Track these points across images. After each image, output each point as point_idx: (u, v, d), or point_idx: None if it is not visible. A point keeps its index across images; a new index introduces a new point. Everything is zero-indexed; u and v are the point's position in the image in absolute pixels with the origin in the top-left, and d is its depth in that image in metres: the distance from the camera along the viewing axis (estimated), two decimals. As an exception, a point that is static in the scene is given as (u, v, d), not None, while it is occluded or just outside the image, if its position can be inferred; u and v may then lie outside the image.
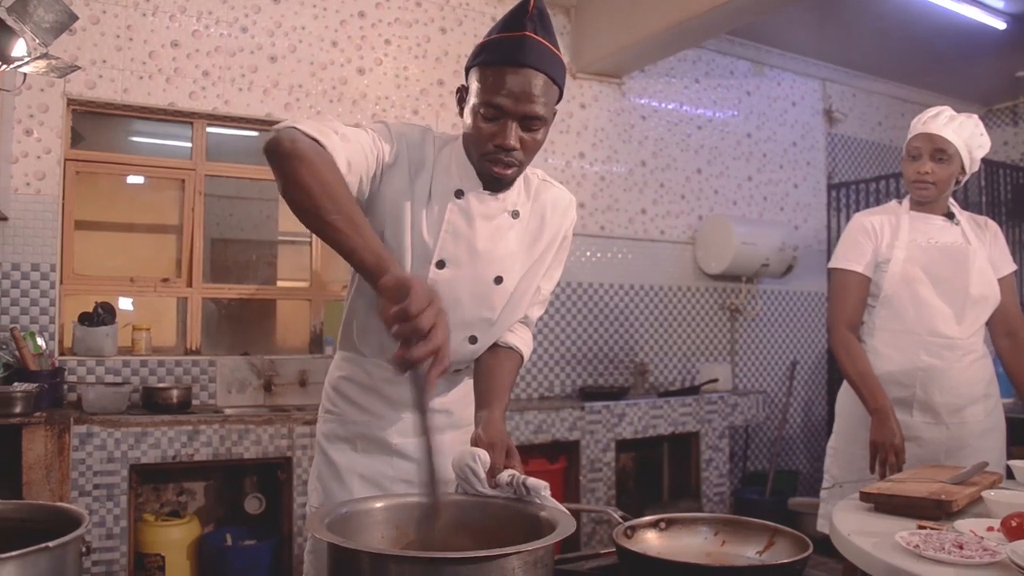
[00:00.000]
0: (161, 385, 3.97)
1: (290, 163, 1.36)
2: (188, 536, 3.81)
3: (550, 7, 5.27)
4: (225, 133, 4.55)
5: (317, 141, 1.41)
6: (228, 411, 3.95)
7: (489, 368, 1.78)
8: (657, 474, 5.32)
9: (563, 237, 1.85)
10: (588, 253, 5.40)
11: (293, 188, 1.35)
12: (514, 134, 1.56)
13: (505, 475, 1.41)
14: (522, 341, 1.86)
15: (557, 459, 4.55)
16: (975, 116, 2.75)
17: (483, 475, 1.43)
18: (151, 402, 3.81)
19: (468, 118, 1.62)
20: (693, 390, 5.28)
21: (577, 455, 4.54)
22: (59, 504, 1.20)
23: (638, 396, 5.07)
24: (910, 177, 2.75)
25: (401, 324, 1.18)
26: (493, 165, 1.61)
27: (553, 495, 1.39)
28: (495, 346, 1.82)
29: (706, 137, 6.01)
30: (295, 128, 1.41)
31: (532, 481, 1.37)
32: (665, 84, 5.83)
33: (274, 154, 1.39)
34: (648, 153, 5.71)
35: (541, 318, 5.14)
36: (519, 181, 1.74)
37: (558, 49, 1.61)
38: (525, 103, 1.54)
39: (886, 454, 2.57)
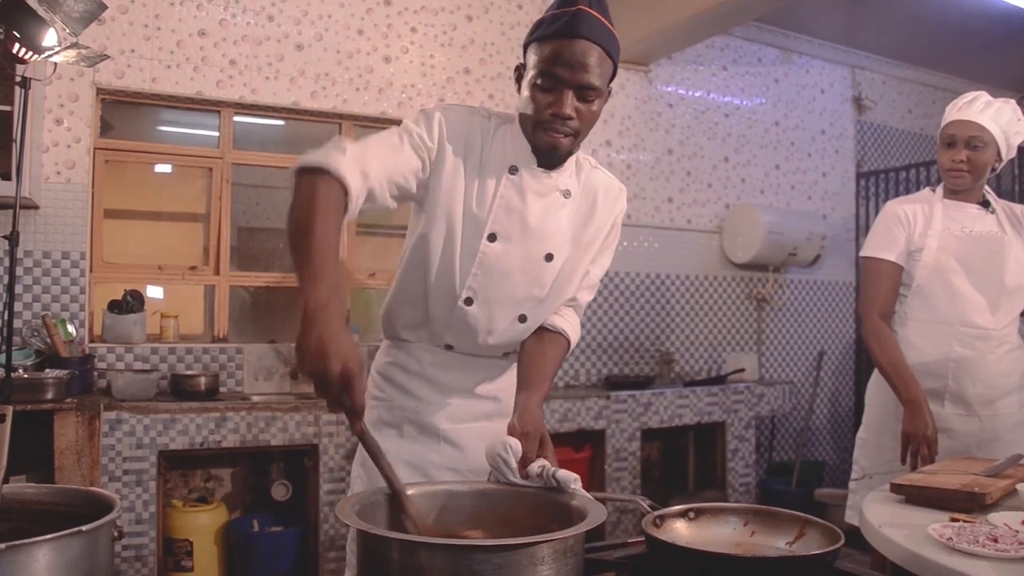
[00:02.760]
0: (189, 372, 4.01)
1: (293, 197, 1.47)
2: (216, 522, 3.85)
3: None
4: (252, 122, 4.57)
5: (333, 174, 1.46)
6: (255, 398, 3.99)
7: (531, 353, 1.77)
8: (683, 464, 5.30)
9: (612, 224, 1.86)
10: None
11: (290, 213, 1.46)
12: (570, 103, 1.59)
13: (535, 466, 1.40)
14: (570, 325, 1.84)
15: (583, 448, 4.54)
16: (1012, 102, 2.69)
17: (514, 465, 1.42)
18: (179, 389, 3.84)
19: (525, 91, 1.65)
20: (719, 380, 5.26)
21: (603, 444, 4.53)
22: (91, 488, 1.21)
23: (664, 385, 5.05)
24: (944, 165, 2.69)
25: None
26: (549, 133, 1.62)
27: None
28: (541, 329, 1.80)
29: (733, 125, 5.95)
30: (315, 166, 1.46)
31: (562, 473, 1.36)
32: (692, 71, 5.78)
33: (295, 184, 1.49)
34: (675, 141, 5.67)
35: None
36: (571, 162, 1.76)
37: (612, 25, 1.64)
38: (581, 72, 1.57)
39: (918, 445, 2.53)
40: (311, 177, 1.46)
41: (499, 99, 4.93)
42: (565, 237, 1.75)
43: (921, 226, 2.72)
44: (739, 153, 5.96)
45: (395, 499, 1.28)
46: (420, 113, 1.71)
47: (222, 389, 4.09)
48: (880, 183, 6.38)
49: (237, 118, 4.45)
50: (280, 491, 3.99)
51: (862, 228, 6.42)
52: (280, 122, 4.64)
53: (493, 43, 5.00)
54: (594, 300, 5.17)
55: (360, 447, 1.83)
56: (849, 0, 5.51)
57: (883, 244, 2.77)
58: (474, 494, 1.35)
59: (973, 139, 2.62)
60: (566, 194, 1.75)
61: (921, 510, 1.85)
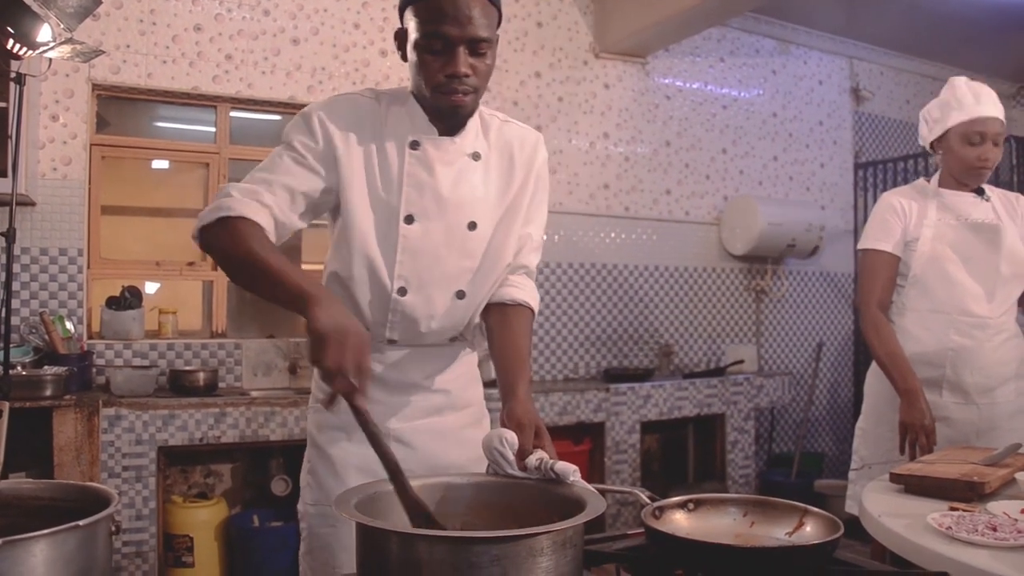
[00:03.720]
0: (188, 368, 4.01)
1: (213, 255, 1.55)
2: (216, 517, 3.85)
3: (573, -14, 5.23)
4: (248, 117, 4.56)
5: (236, 216, 1.48)
6: (254, 393, 3.98)
7: (501, 337, 1.70)
8: (682, 456, 5.31)
9: (536, 176, 1.77)
10: (613, 234, 5.37)
11: (225, 269, 1.54)
12: (464, 60, 1.52)
13: (533, 459, 1.37)
14: (526, 294, 1.76)
15: (582, 441, 4.55)
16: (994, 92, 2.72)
17: (512, 458, 1.39)
18: (178, 385, 3.84)
19: (412, 56, 1.57)
20: (718, 371, 5.26)
21: (602, 437, 4.53)
22: (88, 484, 1.21)
23: (663, 378, 5.06)
24: (972, 163, 2.65)
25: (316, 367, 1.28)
26: (448, 96, 1.55)
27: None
28: (502, 306, 1.73)
29: (731, 117, 5.94)
30: (216, 219, 1.49)
31: (561, 465, 1.34)
32: (690, 63, 5.77)
33: (205, 248, 1.55)
34: (673, 133, 5.66)
35: (565, 299, 5.20)
36: (475, 123, 1.69)
37: None
38: (468, 27, 1.50)
39: (916, 435, 2.54)
40: (217, 229, 1.49)
41: (496, 92, 4.92)
42: (485, 202, 1.68)
43: (916, 216, 2.73)
44: (737, 145, 5.95)
45: (397, 484, 1.26)
46: (297, 117, 1.65)
47: (221, 384, 4.08)
48: (878, 174, 6.37)
49: (234, 113, 4.44)
50: (280, 486, 3.99)
51: (860, 219, 6.41)
52: (277, 117, 4.63)
53: (490, 36, 4.98)
54: (592, 292, 5.23)
55: (307, 454, 1.77)
56: (846, -10, 5.50)
57: (879, 235, 2.79)
58: (472, 486, 1.35)
59: (998, 135, 2.63)
60: (475, 156, 1.67)
61: (920, 500, 1.85)
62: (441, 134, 1.64)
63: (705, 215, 5.79)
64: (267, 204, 1.53)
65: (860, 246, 2.87)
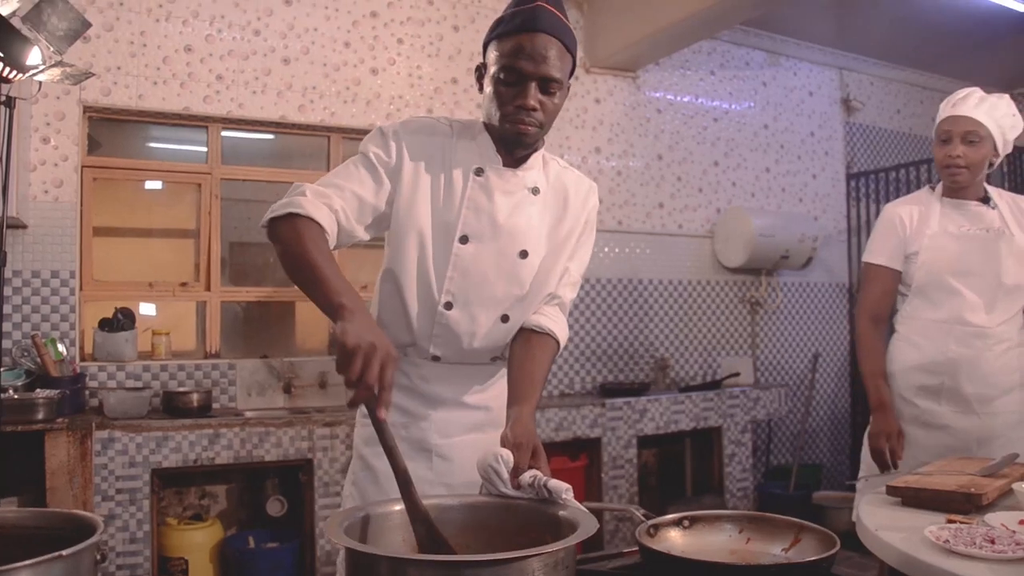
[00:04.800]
0: (181, 389, 3.99)
1: (276, 246, 1.60)
2: (211, 539, 3.82)
3: (564, 2, 5.24)
4: (240, 136, 4.56)
5: (303, 215, 1.55)
6: (248, 414, 3.96)
7: (521, 360, 1.74)
8: (680, 470, 5.29)
9: (586, 221, 1.87)
10: (606, 248, 5.37)
11: (282, 262, 1.59)
12: (534, 95, 1.62)
13: (527, 476, 1.38)
14: (556, 325, 1.81)
15: (578, 457, 4.53)
16: (1007, 96, 2.69)
17: (506, 476, 1.40)
18: (172, 406, 3.82)
19: (488, 87, 1.69)
20: (714, 384, 5.25)
21: (599, 452, 4.51)
22: (74, 511, 1.19)
23: (659, 391, 5.04)
24: (941, 162, 2.70)
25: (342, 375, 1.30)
26: (515, 125, 1.65)
27: (575, 493, 1.35)
28: (528, 332, 1.78)
29: (723, 129, 5.96)
30: (285, 214, 1.56)
31: (554, 483, 1.34)
32: (680, 76, 5.79)
33: (271, 238, 1.61)
34: (664, 147, 5.67)
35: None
36: (538, 160, 1.79)
37: (568, 21, 1.69)
38: (542, 65, 1.61)
39: (878, 441, 2.62)
40: (284, 223, 1.56)
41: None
42: (538, 234, 1.77)
43: (917, 227, 2.73)
44: (729, 157, 5.96)
45: (406, 496, 1.27)
46: (375, 131, 1.75)
47: (215, 405, 4.06)
48: (870, 184, 6.39)
49: (225, 133, 4.44)
50: (275, 507, 3.96)
51: (853, 229, 6.42)
52: (269, 136, 4.63)
53: (480, 53, 4.99)
54: (587, 307, 5.22)
55: (352, 466, 1.84)
56: (835, 2, 5.52)
57: (876, 248, 2.83)
58: (464, 508, 1.34)
59: (968, 134, 2.63)
60: (534, 191, 1.77)
61: (918, 512, 1.83)
62: (506, 165, 1.74)
63: (698, 228, 5.79)
64: (335, 209, 1.61)
65: (862, 258, 2.91)
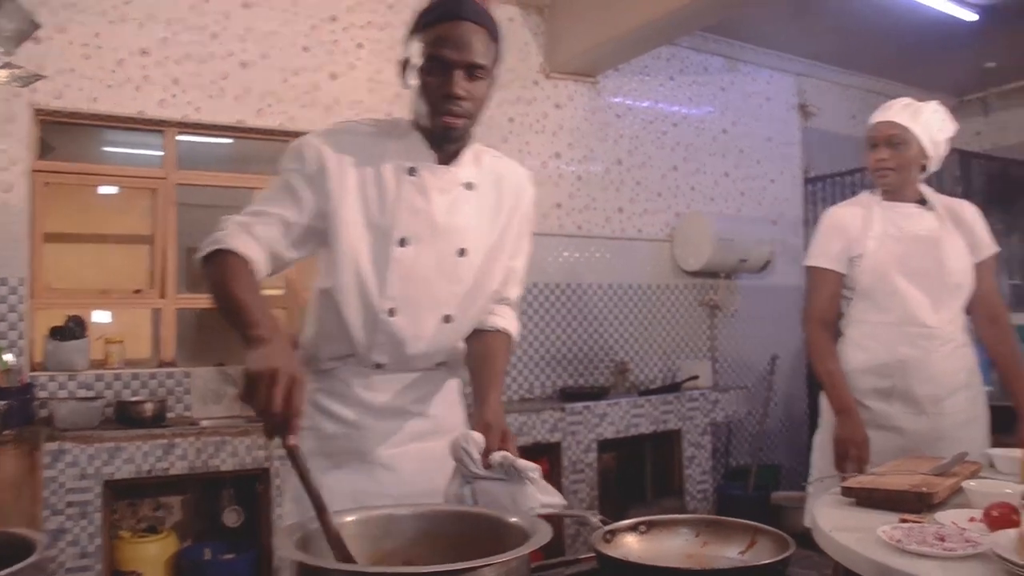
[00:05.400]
0: (135, 399, 3.91)
1: (207, 285, 1.58)
2: (165, 551, 3.75)
3: (524, 7, 5.26)
4: (198, 141, 4.49)
5: (227, 250, 1.57)
6: (204, 423, 3.90)
7: (482, 356, 1.77)
8: (640, 473, 5.30)
9: (524, 212, 1.86)
10: (566, 253, 5.38)
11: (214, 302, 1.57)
12: (460, 83, 1.61)
13: (497, 456, 1.43)
14: (508, 322, 1.86)
15: (538, 461, 4.48)
16: (933, 102, 2.77)
17: (477, 456, 1.44)
18: (125, 416, 3.75)
19: (414, 80, 1.66)
20: (674, 388, 5.27)
21: (559, 457, 4.51)
22: (13, 530, 1.14)
23: (619, 395, 5.05)
24: (871, 166, 2.77)
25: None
26: (443, 116, 1.63)
27: None
28: (483, 332, 1.81)
29: (682, 134, 6.00)
30: (211, 251, 1.57)
31: (521, 463, 1.40)
32: (640, 82, 5.82)
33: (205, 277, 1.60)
34: (624, 151, 5.70)
35: (520, 318, 5.14)
36: (470, 154, 1.76)
37: (491, 11, 1.68)
38: (466, 52, 1.60)
39: (846, 448, 2.61)
40: (212, 260, 1.57)
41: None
42: (477, 230, 1.75)
43: (860, 230, 2.77)
44: (688, 162, 6.01)
45: (323, 522, 1.23)
46: (291, 147, 1.72)
47: (170, 415, 3.99)
48: (827, 188, 6.48)
49: (181, 137, 4.37)
50: (232, 517, 3.90)
51: (811, 233, 6.46)
52: (227, 141, 4.58)
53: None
54: (546, 312, 5.22)
55: (293, 482, 1.71)
56: (792, 9, 5.59)
57: (821, 252, 2.84)
58: (416, 518, 1.32)
59: (892, 137, 2.70)
60: (469, 186, 1.74)
61: (872, 512, 1.85)
62: (439, 162, 1.71)
63: (658, 232, 5.82)
64: (258, 236, 1.61)
65: (805, 263, 2.92)
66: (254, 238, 1.60)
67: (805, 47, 6.42)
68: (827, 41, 6.21)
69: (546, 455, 4.55)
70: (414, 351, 1.72)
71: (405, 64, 1.70)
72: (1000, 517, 1.62)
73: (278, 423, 1.27)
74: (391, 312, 1.67)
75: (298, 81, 4.54)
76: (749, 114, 6.40)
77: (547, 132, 5.36)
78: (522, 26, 5.31)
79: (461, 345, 1.81)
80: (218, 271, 1.55)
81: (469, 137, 1.75)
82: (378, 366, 1.72)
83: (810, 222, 6.50)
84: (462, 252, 1.72)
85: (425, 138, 1.70)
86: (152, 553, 3.71)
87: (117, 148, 4.47)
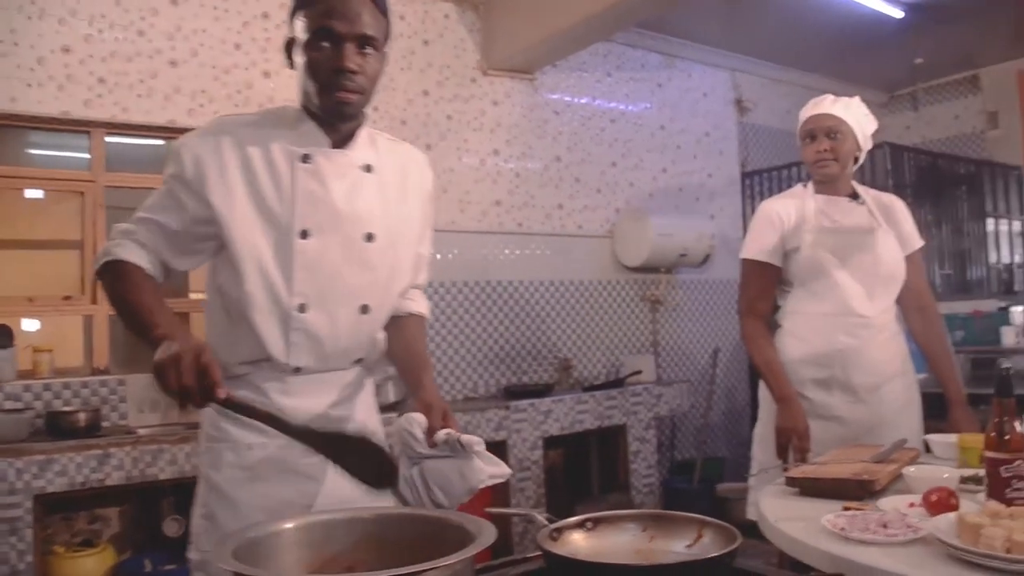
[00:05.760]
0: (67, 409, 3.78)
1: (107, 297, 1.62)
2: (103, 565, 3.63)
3: (459, 4, 5.22)
4: (127, 142, 4.35)
5: (116, 260, 1.59)
6: (141, 431, 3.78)
7: (405, 342, 1.76)
8: (586, 469, 5.32)
9: (427, 194, 1.84)
10: (507, 250, 5.36)
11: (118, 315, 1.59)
12: (351, 57, 1.55)
13: (441, 434, 1.45)
14: (418, 304, 1.86)
15: (485, 460, 4.49)
16: (857, 97, 2.85)
17: (422, 436, 1.45)
18: (56, 427, 3.61)
19: (301, 57, 1.59)
20: (618, 383, 5.29)
21: (505, 455, 4.49)
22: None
23: (563, 392, 5.05)
24: (810, 158, 2.82)
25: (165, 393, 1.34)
26: (335, 92, 1.57)
27: (481, 498, 1.39)
28: (398, 319, 1.78)
29: (620, 130, 6.03)
30: (102, 263, 1.60)
31: (466, 438, 1.43)
32: (577, 78, 5.83)
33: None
34: (563, 148, 5.70)
35: (462, 317, 5.15)
36: (364, 136, 1.70)
37: None
38: (356, 23, 1.55)
39: (788, 438, 2.64)
40: (105, 274, 1.59)
41: (384, 111, 4.85)
42: (381, 213, 1.68)
43: (795, 222, 2.81)
44: (626, 158, 6.04)
45: (279, 425, 1.38)
46: (170, 150, 1.65)
47: (104, 424, 3.87)
48: (764, 182, 6.58)
49: (109, 139, 4.24)
50: (172, 527, 3.79)
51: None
52: (158, 142, 4.45)
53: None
54: (488, 310, 5.20)
55: (201, 498, 1.68)
56: (727, 6, 5.66)
57: (755, 245, 2.87)
58: (355, 522, 1.28)
59: (831, 129, 2.76)
60: (367, 169, 1.68)
61: (816, 501, 1.88)
62: (332, 147, 1.64)
63: (598, 228, 5.84)
64: (143, 243, 1.60)
65: (740, 255, 2.95)
66: (139, 245, 1.60)
67: (740, 43, 6.51)
68: (761, 37, 6.31)
69: (492, 453, 4.51)
70: (333, 348, 1.65)
71: (290, 44, 1.64)
72: (938, 502, 1.66)
73: (196, 392, 1.31)
74: (302, 308, 1.59)
75: (230, 80, 4.43)
76: (686, 110, 6.46)
77: (485, 129, 5.33)
78: (458, 23, 5.28)
79: (380, 337, 1.75)
80: (110, 284, 1.57)
81: (363, 117, 1.69)
82: (296, 370, 1.63)
83: (748, 216, 6.58)
84: (369, 237, 1.65)
85: (317, 122, 1.64)
86: (89, 568, 3.58)
87: (41, 150, 4.31)
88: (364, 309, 1.67)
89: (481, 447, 1.44)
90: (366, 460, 1.40)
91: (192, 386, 1.30)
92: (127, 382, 4.05)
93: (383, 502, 1.47)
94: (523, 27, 5.05)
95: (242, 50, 4.48)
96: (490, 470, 1.44)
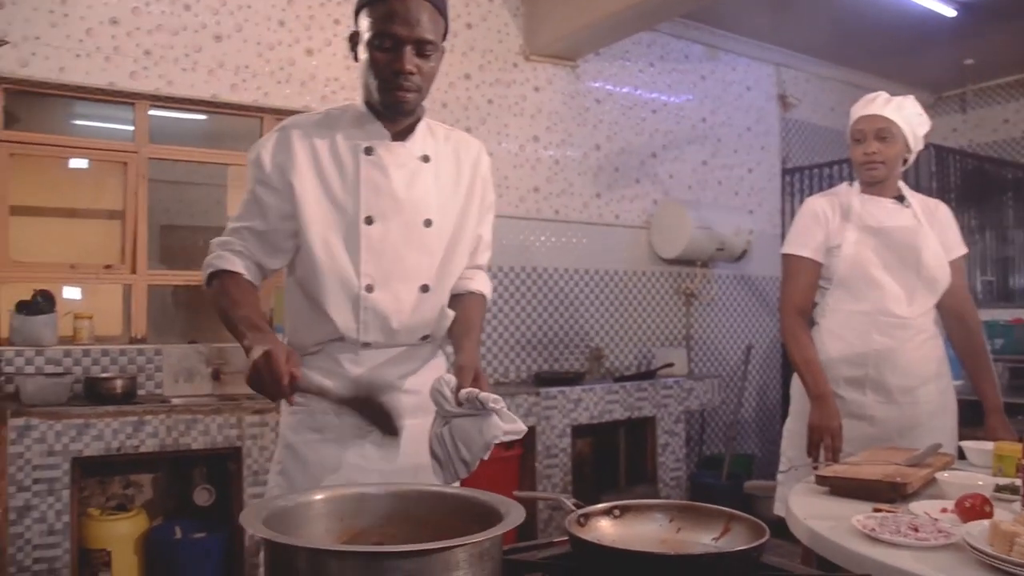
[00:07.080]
0: (105, 375, 3.85)
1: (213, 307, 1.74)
2: (135, 530, 3.70)
3: (504, -12, 5.21)
4: (170, 115, 4.41)
5: (218, 270, 1.73)
6: (175, 401, 3.84)
7: (457, 315, 1.84)
8: (613, 459, 5.31)
9: (483, 180, 1.92)
10: (543, 237, 5.36)
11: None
12: (409, 59, 1.65)
13: (463, 392, 1.49)
14: (479, 284, 1.93)
15: (512, 445, 4.50)
16: (911, 97, 2.80)
17: (450, 395, 1.50)
18: (94, 393, 3.68)
19: (364, 55, 1.70)
20: (649, 375, 5.28)
21: (533, 441, 4.50)
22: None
23: (594, 381, 5.05)
24: (858, 160, 2.78)
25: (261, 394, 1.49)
26: (394, 91, 1.68)
27: (508, 482, 1.38)
28: (458, 296, 1.88)
29: (661, 121, 5.99)
30: (210, 273, 1.74)
31: (484, 395, 1.47)
32: (620, 67, 5.79)
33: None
34: (603, 137, 5.67)
35: (495, 302, 5.15)
36: (423, 129, 1.82)
37: None
38: (416, 28, 1.64)
39: (821, 436, 2.61)
40: (211, 285, 1.73)
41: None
42: (438, 200, 1.80)
43: (839, 221, 2.78)
44: (667, 149, 6.00)
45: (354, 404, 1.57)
46: (248, 158, 1.79)
47: (140, 392, 3.94)
48: (805, 179, 6.50)
49: (153, 112, 4.29)
50: (203, 496, 3.86)
51: (788, 223, 6.50)
52: (201, 116, 4.50)
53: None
54: (522, 296, 5.20)
55: (278, 455, 1.84)
56: (773, -1, 5.59)
57: (800, 241, 2.84)
58: (388, 496, 1.30)
59: (881, 131, 2.72)
60: (425, 159, 1.80)
61: (845, 501, 1.86)
62: (393, 140, 1.76)
63: (635, 219, 5.81)
64: (239, 250, 1.74)
65: (782, 251, 2.92)
66: (235, 253, 1.73)
67: (786, 37, 6.43)
68: (808, 32, 6.22)
69: (520, 439, 4.52)
70: (399, 325, 1.76)
71: (355, 37, 1.74)
72: (972, 508, 1.64)
73: (280, 393, 1.46)
74: (369, 288, 1.72)
75: (273, 56, 4.46)
76: (728, 103, 6.40)
77: (525, 115, 5.32)
78: (501, 7, 5.27)
79: (448, 315, 1.83)
80: (213, 295, 1.71)
81: (422, 110, 1.81)
82: (366, 345, 1.76)
83: (787, 213, 6.53)
84: (428, 223, 1.77)
85: (376, 116, 1.76)
86: (122, 531, 3.66)
87: (86, 121, 4.37)
88: (424, 288, 1.78)
89: (500, 405, 1.48)
90: (378, 416, 1.59)
91: (281, 378, 1.44)
92: (163, 352, 4.12)
93: (426, 478, 1.56)
94: (567, 13, 5.03)
95: (286, 27, 4.50)
96: (506, 427, 1.49)
